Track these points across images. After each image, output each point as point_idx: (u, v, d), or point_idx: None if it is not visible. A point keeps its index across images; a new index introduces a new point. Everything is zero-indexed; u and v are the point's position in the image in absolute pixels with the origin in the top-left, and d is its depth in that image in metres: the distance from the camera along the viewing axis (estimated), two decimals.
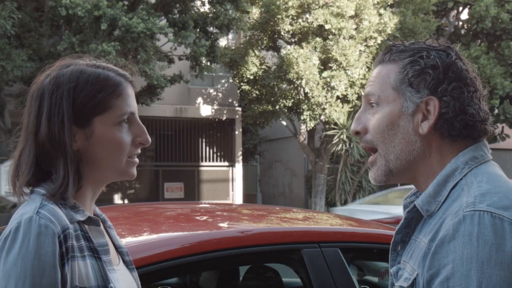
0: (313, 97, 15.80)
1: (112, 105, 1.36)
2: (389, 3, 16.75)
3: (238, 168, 19.98)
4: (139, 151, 1.43)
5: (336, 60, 15.69)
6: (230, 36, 19.45)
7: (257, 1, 16.94)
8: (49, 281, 1.20)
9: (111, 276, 1.33)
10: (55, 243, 1.22)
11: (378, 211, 10.80)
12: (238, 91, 19.38)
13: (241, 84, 17.50)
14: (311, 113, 16.16)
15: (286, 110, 17.01)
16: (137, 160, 1.43)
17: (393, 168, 1.37)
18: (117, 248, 1.51)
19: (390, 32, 16.02)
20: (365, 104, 1.42)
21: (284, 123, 18.37)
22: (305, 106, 16.12)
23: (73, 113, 1.34)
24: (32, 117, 1.35)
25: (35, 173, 1.34)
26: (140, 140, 1.41)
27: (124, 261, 1.50)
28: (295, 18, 16.40)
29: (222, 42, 18.22)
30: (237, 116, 19.89)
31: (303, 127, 17.73)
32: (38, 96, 1.36)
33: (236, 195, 19.81)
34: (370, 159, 1.41)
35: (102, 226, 1.46)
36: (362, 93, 13.80)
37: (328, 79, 15.62)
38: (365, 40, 16.08)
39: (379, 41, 16.00)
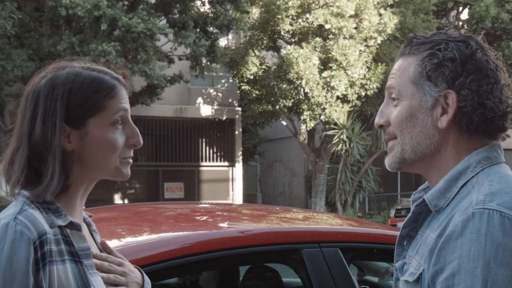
0: (313, 97, 15.80)
1: (106, 106, 1.39)
2: (389, 3, 16.75)
3: (238, 168, 19.98)
4: (131, 153, 1.46)
5: (336, 60, 15.69)
6: (230, 36, 19.45)
7: (257, 1, 16.93)
8: (20, 286, 1.23)
9: (92, 279, 1.35)
10: (29, 250, 1.25)
11: None
12: (238, 91, 19.38)
13: (241, 84, 17.50)
14: (311, 113, 16.16)
15: (286, 110, 17.01)
16: (131, 160, 1.46)
17: (407, 158, 1.37)
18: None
19: (390, 32, 16.02)
20: (388, 97, 1.41)
21: (284, 123, 18.37)
22: (305, 106, 16.12)
23: (68, 115, 1.36)
24: (26, 118, 1.37)
25: (27, 174, 1.35)
26: (132, 141, 1.44)
27: None
28: (295, 18, 16.40)
29: (222, 42, 18.21)
30: (237, 116, 19.88)
31: (303, 127, 17.73)
32: (34, 97, 1.38)
33: (236, 195, 19.81)
34: (389, 145, 1.41)
35: (86, 230, 1.49)
36: (362, 93, 13.88)
37: (328, 79, 15.62)
38: (365, 40, 16.08)
39: (379, 41, 16.00)
